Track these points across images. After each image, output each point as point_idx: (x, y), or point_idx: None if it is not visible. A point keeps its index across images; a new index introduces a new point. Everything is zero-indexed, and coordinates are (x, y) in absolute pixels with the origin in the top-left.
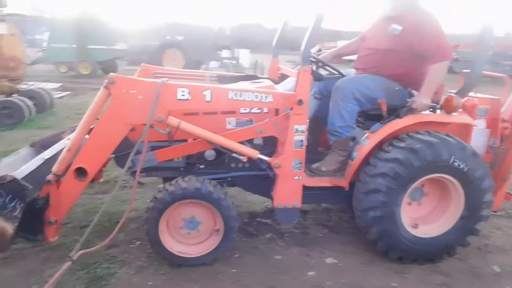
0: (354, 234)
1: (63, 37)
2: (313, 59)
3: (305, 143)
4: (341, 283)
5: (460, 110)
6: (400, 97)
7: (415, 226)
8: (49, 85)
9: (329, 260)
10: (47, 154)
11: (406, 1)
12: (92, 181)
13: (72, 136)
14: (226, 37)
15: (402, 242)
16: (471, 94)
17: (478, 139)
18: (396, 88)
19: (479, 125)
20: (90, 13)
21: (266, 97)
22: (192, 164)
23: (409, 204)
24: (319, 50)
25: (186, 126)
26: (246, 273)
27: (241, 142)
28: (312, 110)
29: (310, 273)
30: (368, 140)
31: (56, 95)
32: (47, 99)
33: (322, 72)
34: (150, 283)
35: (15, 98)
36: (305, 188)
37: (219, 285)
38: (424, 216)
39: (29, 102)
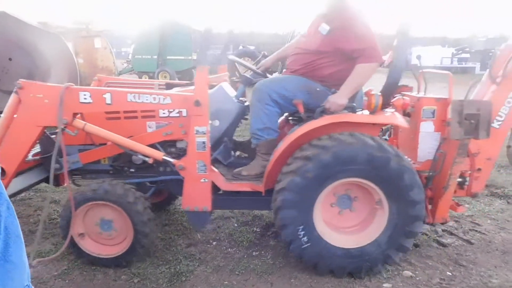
0: (435, 248)
1: (146, 49)
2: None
3: (208, 145)
4: None
5: (392, 110)
6: (323, 98)
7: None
8: None
9: (406, 273)
10: None
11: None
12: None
13: None
14: None
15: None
16: (421, 93)
17: (427, 143)
18: (318, 89)
19: (427, 128)
20: (170, 27)
21: (164, 99)
22: (120, 167)
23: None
24: (263, 56)
25: (90, 128)
26: (320, 280)
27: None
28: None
29: (386, 285)
30: (282, 143)
31: None
32: None
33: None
34: (226, 282)
35: None
36: (225, 192)
37: None
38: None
39: None
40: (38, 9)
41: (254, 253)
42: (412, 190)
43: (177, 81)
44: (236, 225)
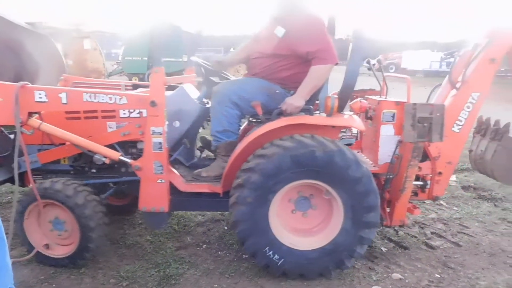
0: (424, 250)
1: (136, 50)
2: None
3: (164, 145)
4: None
5: (351, 113)
6: (282, 100)
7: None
8: None
9: (395, 276)
10: None
11: (290, 2)
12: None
13: None
14: None
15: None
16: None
17: (387, 147)
18: (277, 91)
19: (387, 131)
20: (161, 29)
21: (120, 99)
22: (80, 167)
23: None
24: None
25: (46, 127)
26: (310, 283)
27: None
28: None
29: (375, 287)
30: (239, 145)
31: None
32: None
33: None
34: (216, 285)
35: None
36: (184, 194)
37: None
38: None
39: None
40: (33, 9)
41: (244, 256)
42: (350, 168)
43: (144, 82)
44: (226, 228)
